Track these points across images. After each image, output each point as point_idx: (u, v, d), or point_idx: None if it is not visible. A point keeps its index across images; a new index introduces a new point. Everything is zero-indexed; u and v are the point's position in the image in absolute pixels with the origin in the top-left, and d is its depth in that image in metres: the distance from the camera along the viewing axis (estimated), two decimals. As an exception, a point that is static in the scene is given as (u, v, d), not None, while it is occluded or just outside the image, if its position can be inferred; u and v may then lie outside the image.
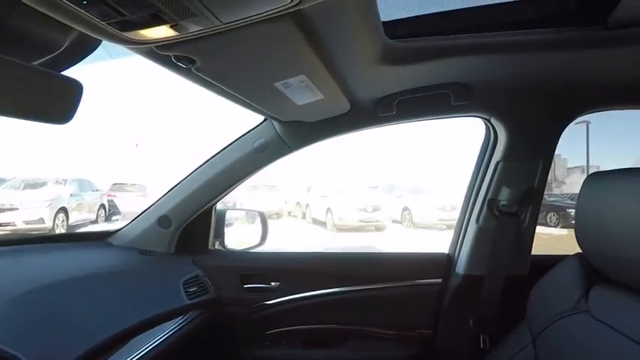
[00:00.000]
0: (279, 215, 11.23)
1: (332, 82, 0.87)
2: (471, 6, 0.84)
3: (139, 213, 1.39)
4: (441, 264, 1.30)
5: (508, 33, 0.84)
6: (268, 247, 1.51)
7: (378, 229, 9.66)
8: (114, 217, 9.97)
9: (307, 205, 11.00)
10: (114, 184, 10.95)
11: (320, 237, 8.99)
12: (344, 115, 1.14)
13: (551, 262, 1.03)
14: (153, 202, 1.37)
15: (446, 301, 1.26)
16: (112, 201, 10.46)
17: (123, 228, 1.39)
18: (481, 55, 0.88)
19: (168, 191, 1.34)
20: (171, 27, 0.52)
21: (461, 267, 1.24)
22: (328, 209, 9.83)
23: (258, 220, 1.54)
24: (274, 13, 0.55)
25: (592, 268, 0.91)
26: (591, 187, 0.86)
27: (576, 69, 0.95)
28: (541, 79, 1.01)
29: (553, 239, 7.36)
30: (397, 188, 11.07)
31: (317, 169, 12.73)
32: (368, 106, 1.13)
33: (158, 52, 0.63)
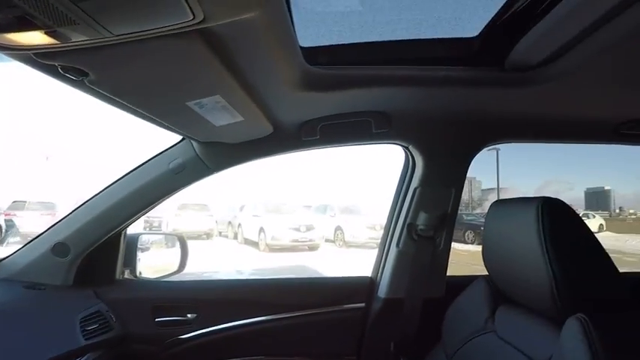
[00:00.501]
0: (209, 235, 10.71)
1: (251, 104, 0.84)
2: (390, 40, 0.88)
3: (31, 239, 1.20)
4: (364, 288, 1.30)
5: (422, 68, 0.89)
6: (193, 270, 1.40)
7: (312, 248, 9.68)
8: (12, 239, 8.68)
9: (239, 224, 10.67)
10: (13, 202, 9.63)
11: (251, 257, 8.74)
12: (267, 137, 1.11)
13: (465, 282, 1.09)
14: (47, 227, 1.19)
15: (369, 325, 1.26)
16: (10, 220, 9.14)
17: (8, 257, 1.18)
18: (398, 86, 0.92)
19: (68, 215, 1.18)
20: (46, 33, 0.45)
21: (382, 290, 1.26)
22: (261, 229, 9.63)
23: (178, 244, 1.42)
24: (177, 30, 0.50)
25: (497, 290, 0.98)
26: (495, 214, 0.93)
27: (481, 104, 1.03)
28: (452, 112, 1.08)
29: (470, 255, 7.99)
30: (330, 208, 11.24)
31: (251, 188, 12.49)
32: (292, 130, 1.12)
33: (40, 61, 0.55)
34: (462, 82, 0.91)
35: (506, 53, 0.84)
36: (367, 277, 1.34)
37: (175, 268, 1.35)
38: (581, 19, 0.66)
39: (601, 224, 15.61)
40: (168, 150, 1.17)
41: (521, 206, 0.81)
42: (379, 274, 1.30)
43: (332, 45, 0.87)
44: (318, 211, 11.31)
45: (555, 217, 0.74)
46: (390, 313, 1.23)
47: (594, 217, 16.33)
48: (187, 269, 1.37)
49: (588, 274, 0.72)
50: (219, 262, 7.56)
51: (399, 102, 1.02)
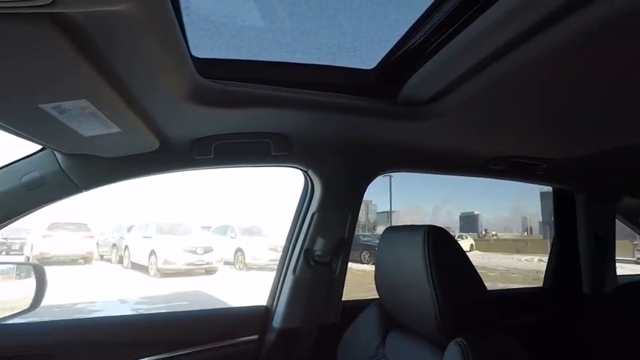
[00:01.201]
0: (87, 260, 9.29)
1: (130, 114, 0.72)
2: (289, 61, 0.86)
3: None
4: (259, 318, 1.22)
5: (321, 93, 0.89)
6: (61, 303, 1.11)
7: (209, 271, 9.09)
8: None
9: (126, 246, 9.51)
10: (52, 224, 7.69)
11: (139, 284, 7.81)
12: (153, 153, 0.98)
13: (361, 306, 1.09)
14: None
15: (262, 358, 1.18)
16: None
17: None
18: (298, 109, 0.90)
19: None
20: None
21: (278, 320, 1.20)
22: (152, 252, 8.73)
23: (33, 275, 1.15)
24: (24, 9, 0.39)
25: (388, 315, 1.00)
26: (386, 240, 0.95)
27: (376, 134, 1.08)
28: (349, 140, 1.11)
29: (365, 274, 8.43)
30: (231, 229, 10.82)
31: (141, 207, 11.34)
32: (182, 146, 1.01)
33: None
34: (359, 111, 0.93)
35: (399, 88, 0.89)
36: (262, 306, 1.26)
37: (27, 305, 1.08)
38: (464, 62, 0.72)
39: (472, 244, 18.06)
40: (22, 161, 0.95)
41: (410, 233, 0.85)
42: (275, 303, 1.24)
43: (229, 59, 0.81)
44: (218, 232, 10.79)
45: (438, 245, 0.78)
46: (285, 344, 1.17)
47: (467, 237, 18.87)
48: (51, 302, 1.10)
49: (466, 297, 0.77)
50: (98, 290, 6.57)
51: (298, 125, 1.00)
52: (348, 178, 1.20)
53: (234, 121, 0.95)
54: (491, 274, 11.34)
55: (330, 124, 1.00)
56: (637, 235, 1.94)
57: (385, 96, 0.92)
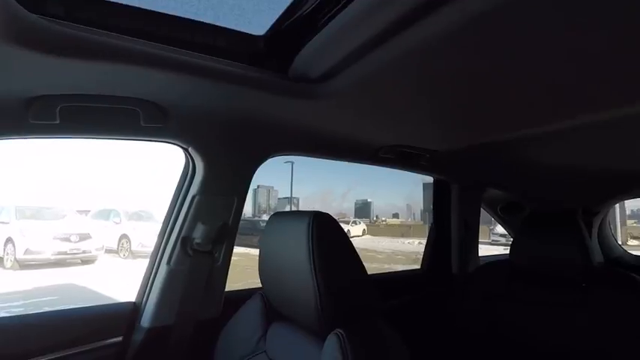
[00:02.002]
0: None
1: None
2: (161, 11, 0.71)
3: None
4: (124, 317, 1.05)
5: (201, 56, 0.76)
6: None
7: (86, 261, 8.00)
8: None
9: (-31, 234, 7.77)
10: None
11: (-13, 279, 6.46)
12: None
13: (245, 298, 1.01)
14: None
15: None
16: None
17: None
18: (172, 72, 0.75)
19: None
20: None
21: (147, 318, 1.04)
22: (8, 240, 7.30)
23: None
24: None
25: (271, 306, 0.93)
26: (271, 227, 0.88)
27: (265, 111, 0.99)
28: (236, 115, 1.00)
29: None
30: (116, 213, 9.69)
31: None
32: (12, 106, 0.77)
33: None
34: (247, 82, 0.82)
35: (290, 61, 0.81)
36: (130, 302, 1.09)
37: None
38: (353, 39, 0.68)
39: (364, 229, 19.48)
40: None
41: (295, 220, 0.79)
42: (144, 299, 1.08)
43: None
44: (100, 216, 9.56)
45: (323, 232, 0.73)
46: (155, 345, 1.02)
47: (360, 223, 20.28)
48: None
49: (348, 286, 0.74)
50: None
51: (174, 93, 0.85)
52: (235, 158, 1.09)
53: (87, 79, 0.76)
54: (380, 256, 12.42)
55: (214, 95, 0.88)
56: (492, 221, 2.24)
57: (276, 68, 0.83)
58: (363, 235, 18.86)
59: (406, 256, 11.58)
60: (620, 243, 2.36)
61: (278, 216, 0.88)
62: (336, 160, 1.41)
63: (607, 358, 1.15)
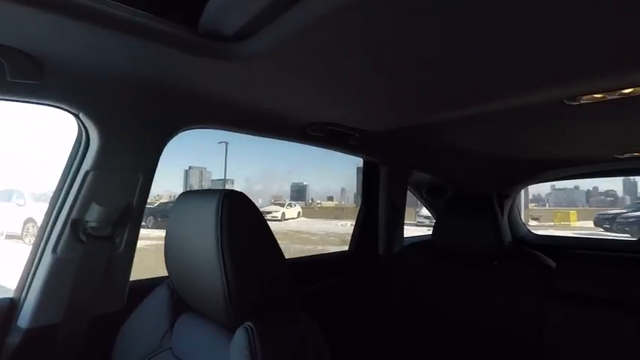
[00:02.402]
0: None
1: None
2: None
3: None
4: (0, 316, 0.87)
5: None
6: None
7: (-22, 249, 6.97)
8: None
9: None
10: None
11: None
12: None
13: (150, 287, 0.89)
14: None
15: None
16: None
17: None
18: (50, 13, 0.59)
19: None
20: None
21: (26, 317, 0.87)
22: None
23: None
24: None
25: (179, 296, 0.83)
26: (179, 206, 0.77)
27: (174, 73, 0.85)
28: (138, 76, 0.85)
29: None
30: (19, 194, 8.55)
31: None
32: None
33: None
34: (150, 34, 0.69)
35: (199, 13, 0.69)
36: (6, 299, 0.91)
37: None
38: None
39: (299, 211, 19.66)
40: None
41: (204, 199, 0.69)
42: (24, 295, 0.90)
43: None
44: (0, 198, 8.40)
45: (235, 212, 0.65)
46: (36, 349, 0.86)
47: (295, 205, 20.41)
48: None
49: (262, 274, 0.67)
50: None
51: (57, 44, 0.69)
52: (138, 128, 0.94)
53: None
54: (314, 237, 12.63)
55: (109, 49, 0.72)
56: (418, 203, 2.33)
57: (183, 21, 0.71)
58: (298, 217, 19.01)
59: (339, 237, 11.90)
60: (524, 223, 2.60)
61: (187, 195, 0.77)
62: (262, 136, 1.31)
63: (515, 331, 1.23)
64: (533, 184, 2.34)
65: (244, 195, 0.68)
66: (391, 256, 1.74)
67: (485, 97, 1.00)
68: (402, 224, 1.92)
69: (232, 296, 0.61)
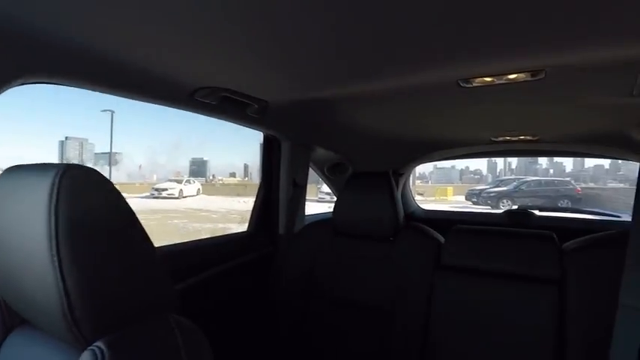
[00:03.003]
0: None
1: None
2: None
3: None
4: None
5: None
6: None
7: None
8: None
9: None
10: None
11: None
12: None
13: None
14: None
15: None
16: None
17: None
18: None
19: None
20: None
21: None
22: None
23: None
24: None
25: (7, 306, 0.63)
26: (0, 187, 0.56)
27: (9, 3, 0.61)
28: None
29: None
30: None
31: None
32: None
33: None
34: None
35: None
36: None
37: None
38: None
39: (199, 188, 18.65)
40: None
41: (35, 176, 0.50)
42: None
43: None
44: None
45: (78, 194, 0.48)
46: None
47: (194, 182, 19.27)
48: None
49: (120, 275, 0.52)
50: None
51: None
52: None
53: None
54: (214, 215, 12.14)
55: None
56: (320, 180, 2.31)
57: None
58: (197, 194, 18.04)
59: (241, 214, 11.66)
60: (414, 198, 2.81)
61: (13, 171, 0.56)
62: (141, 100, 1.09)
63: (407, 303, 1.28)
64: (426, 163, 2.51)
65: (93, 170, 0.51)
66: (292, 236, 1.68)
67: (384, 74, 0.98)
68: (304, 202, 1.87)
69: (74, 307, 0.46)
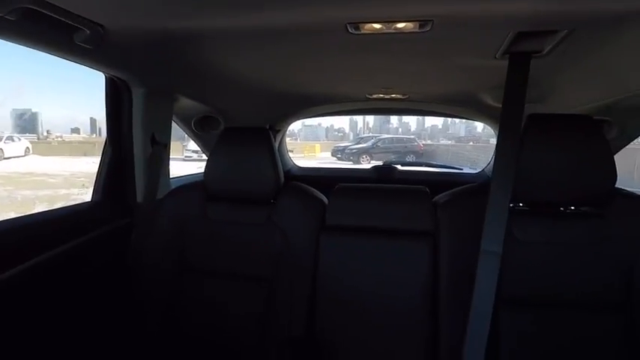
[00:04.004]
0: None
1: None
2: None
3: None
4: None
5: None
6: None
7: None
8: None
9: None
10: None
11: None
12: None
13: None
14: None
15: None
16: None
17: None
18: None
19: None
20: None
21: None
22: None
23: None
24: None
25: None
26: None
27: None
28: None
29: None
30: None
31: None
32: None
33: None
34: None
35: None
36: None
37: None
38: None
39: (27, 147, 15.14)
40: None
41: None
42: None
43: None
44: None
45: None
46: None
47: (20, 140, 15.50)
48: None
49: None
50: None
51: None
52: None
53: None
54: (53, 180, 10.12)
55: None
56: (186, 137, 2.01)
57: None
58: (26, 155, 14.64)
59: (90, 177, 10.00)
60: (289, 156, 2.75)
61: None
62: None
63: (293, 267, 1.20)
64: (303, 118, 2.44)
65: None
66: (153, 204, 1.40)
67: (261, 3, 0.80)
68: (167, 163, 1.58)
69: None
